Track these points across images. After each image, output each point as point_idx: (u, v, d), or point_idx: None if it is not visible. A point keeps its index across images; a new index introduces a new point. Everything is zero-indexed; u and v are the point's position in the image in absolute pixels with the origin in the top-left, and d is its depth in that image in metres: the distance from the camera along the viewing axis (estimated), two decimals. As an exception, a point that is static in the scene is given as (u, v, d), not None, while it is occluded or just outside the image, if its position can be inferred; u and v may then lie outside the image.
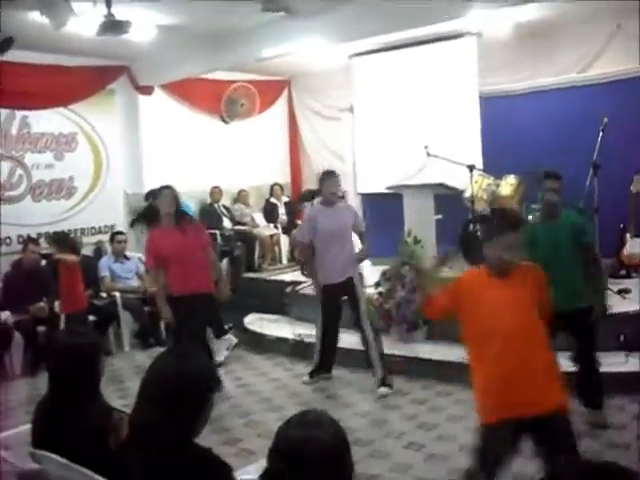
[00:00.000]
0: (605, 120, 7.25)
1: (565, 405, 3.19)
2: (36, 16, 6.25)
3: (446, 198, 7.85)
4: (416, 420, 5.29)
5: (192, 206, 9.51)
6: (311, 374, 6.44)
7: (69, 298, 7.16)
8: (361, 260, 6.35)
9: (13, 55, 6.93)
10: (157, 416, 2.20)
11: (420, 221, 7.26)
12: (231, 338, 7.18)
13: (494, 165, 8.51)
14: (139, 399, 2.32)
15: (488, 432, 3.18)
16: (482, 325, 3.20)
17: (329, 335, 6.36)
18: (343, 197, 6.22)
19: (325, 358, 6.45)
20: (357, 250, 6.27)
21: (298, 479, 1.80)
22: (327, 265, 6.11)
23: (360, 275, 6.35)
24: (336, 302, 6.26)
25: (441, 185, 7.43)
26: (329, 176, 6.13)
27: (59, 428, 2.69)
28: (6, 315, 7.25)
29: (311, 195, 8.41)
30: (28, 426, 3.10)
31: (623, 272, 7.64)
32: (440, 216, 7.51)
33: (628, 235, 7.70)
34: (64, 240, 7.50)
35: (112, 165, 9.69)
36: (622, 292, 6.75)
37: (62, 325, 7.06)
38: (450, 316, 3.39)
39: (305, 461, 1.80)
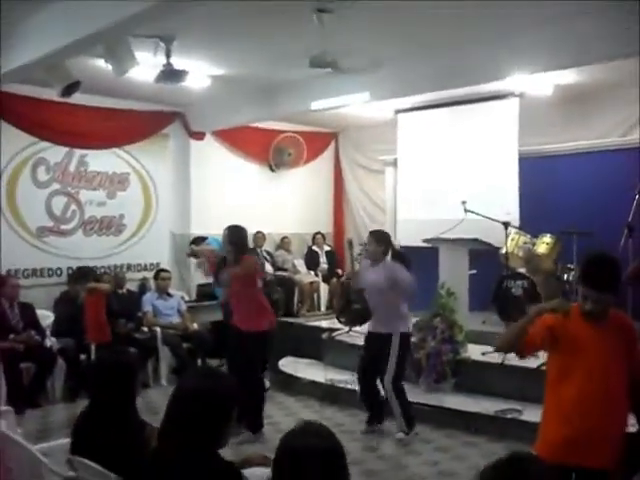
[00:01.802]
0: (641, 183, 7.35)
1: (615, 465, 3.16)
2: (101, 62, 6.67)
3: (481, 254, 7.99)
4: (438, 466, 5.40)
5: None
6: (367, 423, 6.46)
7: (97, 328, 7.47)
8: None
9: (77, 98, 7.33)
10: (183, 430, 2.42)
11: (454, 274, 7.40)
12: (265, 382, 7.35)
13: (531, 224, 8.65)
14: (167, 415, 2.54)
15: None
16: (571, 365, 3.17)
17: (366, 380, 6.36)
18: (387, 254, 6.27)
19: (369, 407, 6.45)
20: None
21: None
22: (372, 315, 6.30)
23: (403, 335, 6.12)
24: (371, 351, 6.30)
25: (476, 240, 7.58)
26: (368, 236, 6.35)
27: (96, 437, 2.93)
28: (52, 341, 7.59)
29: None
30: (68, 440, 3.36)
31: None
32: (474, 271, 7.65)
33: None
34: (86, 274, 7.87)
35: (161, 206, 10.06)
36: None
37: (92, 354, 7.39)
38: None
39: (305, 468, 2.00)
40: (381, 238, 6.23)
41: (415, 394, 6.63)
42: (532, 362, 6.60)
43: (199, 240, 8.83)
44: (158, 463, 2.49)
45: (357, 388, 6.53)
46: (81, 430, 3.07)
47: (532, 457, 1.81)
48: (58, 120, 8.66)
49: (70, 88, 6.79)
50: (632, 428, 4.04)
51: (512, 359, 6.68)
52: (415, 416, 6.18)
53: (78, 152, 9.17)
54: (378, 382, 6.24)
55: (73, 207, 9.19)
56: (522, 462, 1.69)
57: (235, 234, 6.23)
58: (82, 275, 7.92)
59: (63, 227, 9.07)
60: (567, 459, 3.06)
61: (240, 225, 6.36)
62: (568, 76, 8.02)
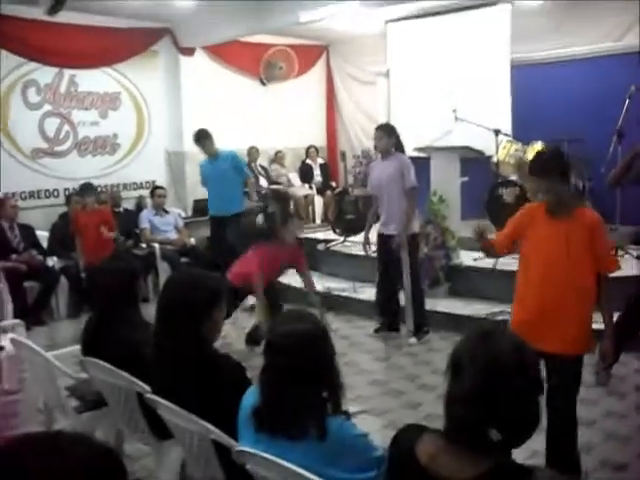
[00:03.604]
0: (632, 89, 7.36)
1: (577, 352, 3.41)
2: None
3: (473, 162, 8.07)
4: (431, 366, 5.65)
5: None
6: (376, 330, 6.69)
7: (97, 248, 7.47)
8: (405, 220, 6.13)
9: (63, 17, 7.27)
10: (175, 325, 2.62)
11: (446, 182, 7.48)
12: None
13: (523, 132, 8.70)
14: (156, 316, 2.73)
15: None
16: (531, 256, 3.49)
17: (384, 287, 6.56)
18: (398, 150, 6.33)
19: (387, 315, 6.64)
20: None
21: (289, 366, 2.18)
22: (381, 215, 6.39)
23: (410, 237, 6.22)
24: (385, 255, 6.39)
25: (467, 148, 7.65)
26: (376, 132, 6.35)
27: (104, 340, 3.11)
28: (53, 260, 7.75)
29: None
30: (77, 347, 3.54)
31: (646, 240, 7.79)
32: (466, 178, 7.74)
33: (653, 203, 7.83)
34: (92, 187, 7.95)
35: (154, 124, 10.08)
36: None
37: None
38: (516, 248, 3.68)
39: (293, 349, 2.18)
40: (391, 131, 6.28)
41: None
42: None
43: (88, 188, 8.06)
44: (157, 353, 2.71)
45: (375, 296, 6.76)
46: (90, 334, 3.25)
47: (503, 330, 1.97)
48: (46, 40, 8.58)
49: (56, 6, 6.75)
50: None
51: (503, 264, 6.91)
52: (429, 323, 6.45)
53: (68, 72, 9.13)
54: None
55: (66, 128, 9.21)
56: (492, 334, 1.83)
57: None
58: (88, 187, 7.95)
59: (57, 148, 9.12)
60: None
61: None
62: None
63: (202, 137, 7.84)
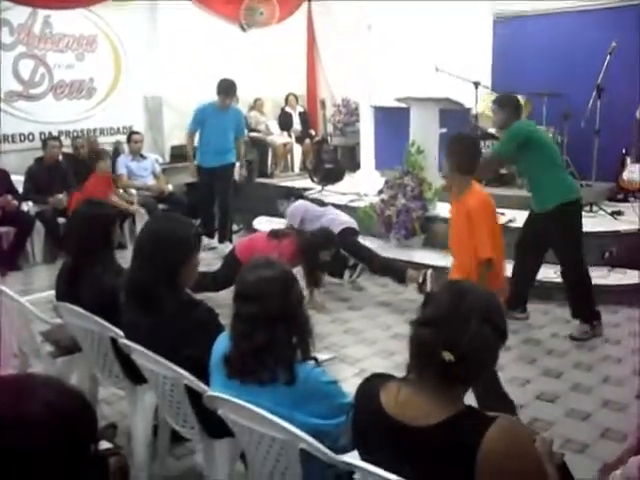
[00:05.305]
0: (613, 44, 7.34)
1: None
2: None
3: (453, 113, 8.04)
4: (405, 315, 5.72)
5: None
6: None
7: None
8: None
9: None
10: (149, 270, 2.65)
11: (425, 133, 7.48)
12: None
13: (504, 85, 8.62)
14: (133, 258, 2.76)
15: None
16: None
17: None
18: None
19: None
20: None
21: (257, 313, 2.22)
22: None
23: None
24: None
25: (447, 100, 7.62)
26: None
27: (79, 285, 3.12)
28: (28, 205, 7.70)
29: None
30: (52, 292, 3.55)
31: (620, 196, 7.85)
32: (445, 130, 7.73)
33: (629, 160, 7.88)
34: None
35: (131, 68, 9.88)
36: (614, 214, 7.06)
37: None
38: None
39: (260, 296, 2.22)
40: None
41: (385, 249, 6.91)
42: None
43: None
44: (129, 291, 2.74)
45: None
46: (65, 279, 3.26)
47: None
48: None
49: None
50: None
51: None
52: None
53: (42, 13, 8.88)
54: None
55: (41, 70, 9.01)
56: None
57: None
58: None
59: (32, 91, 8.93)
60: None
61: None
62: None
63: (234, 90, 8.03)
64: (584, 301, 5.26)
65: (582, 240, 5.22)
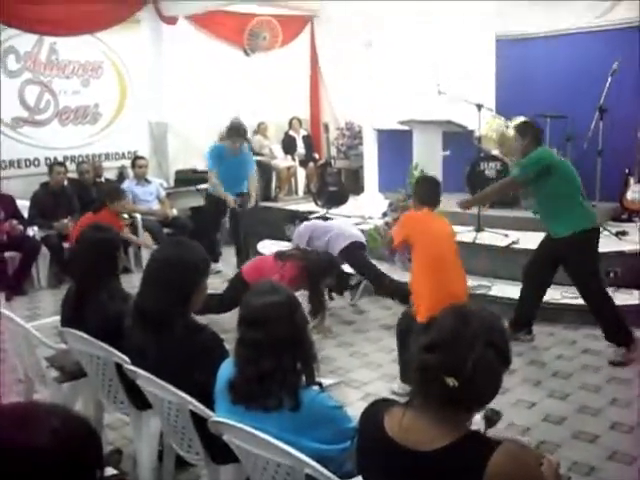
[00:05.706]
0: (615, 65, 7.37)
1: None
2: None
3: (456, 136, 8.08)
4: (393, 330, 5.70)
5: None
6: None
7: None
8: None
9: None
10: (160, 296, 2.65)
11: (428, 156, 7.49)
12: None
13: (507, 107, 8.67)
14: (143, 284, 2.76)
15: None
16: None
17: None
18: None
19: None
20: None
21: (262, 339, 2.22)
22: None
23: None
24: None
25: (449, 122, 7.65)
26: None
27: (84, 310, 3.13)
28: (34, 230, 7.73)
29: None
30: (57, 317, 3.56)
31: (625, 216, 7.88)
32: (448, 152, 7.76)
33: (632, 180, 7.89)
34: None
35: (136, 93, 9.95)
36: (619, 234, 7.07)
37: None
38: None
39: (265, 322, 2.22)
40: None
41: (390, 272, 6.88)
42: (502, 241, 6.91)
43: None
44: (138, 317, 2.75)
45: None
46: (70, 304, 3.27)
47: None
48: (24, 6, 8.41)
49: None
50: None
51: (483, 239, 6.98)
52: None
53: (48, 40, 8.98)
54: None
55: (47, 97, 9.10)
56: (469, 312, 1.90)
57: None
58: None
59: (38, 117, 9.01)
60: None
61: None
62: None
63: (243, 133, 8.05)
64: (613, 324, 5.20)
65: (599, 266, 5.22)
